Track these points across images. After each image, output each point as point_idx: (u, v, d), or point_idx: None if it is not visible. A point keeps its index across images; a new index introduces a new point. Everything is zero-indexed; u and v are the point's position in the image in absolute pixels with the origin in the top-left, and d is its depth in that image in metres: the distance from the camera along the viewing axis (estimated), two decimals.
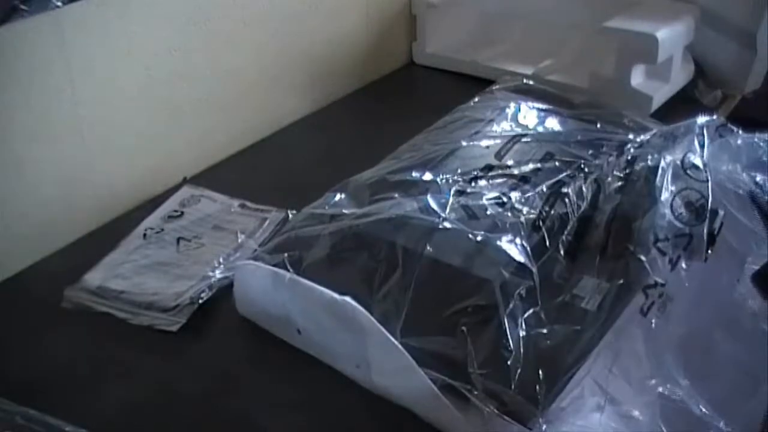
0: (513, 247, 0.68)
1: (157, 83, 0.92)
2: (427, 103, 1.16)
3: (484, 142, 0.86)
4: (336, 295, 0.64)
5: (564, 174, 0.78)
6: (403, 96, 1.24)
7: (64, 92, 0.82)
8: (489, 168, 0.80)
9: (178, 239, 0.85)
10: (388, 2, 1.25)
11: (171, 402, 0.67)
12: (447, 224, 0.70)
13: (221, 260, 0.81)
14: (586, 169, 0.78)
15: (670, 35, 1.05)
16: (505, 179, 0.78)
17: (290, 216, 0.88)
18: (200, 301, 0.75)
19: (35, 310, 0.77)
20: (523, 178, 0.78)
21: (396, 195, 0.76)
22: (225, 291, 0.77)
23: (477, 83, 1.15)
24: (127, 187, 0.91)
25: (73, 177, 0.85)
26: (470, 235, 0.69)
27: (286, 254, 0.70)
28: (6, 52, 0.76)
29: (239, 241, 0.84)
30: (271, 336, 0.73)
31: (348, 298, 0.64)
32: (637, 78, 1.09)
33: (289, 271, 0.69)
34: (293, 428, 0.64)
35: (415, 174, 0.79)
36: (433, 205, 0.72)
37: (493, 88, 1.03)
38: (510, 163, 0.81)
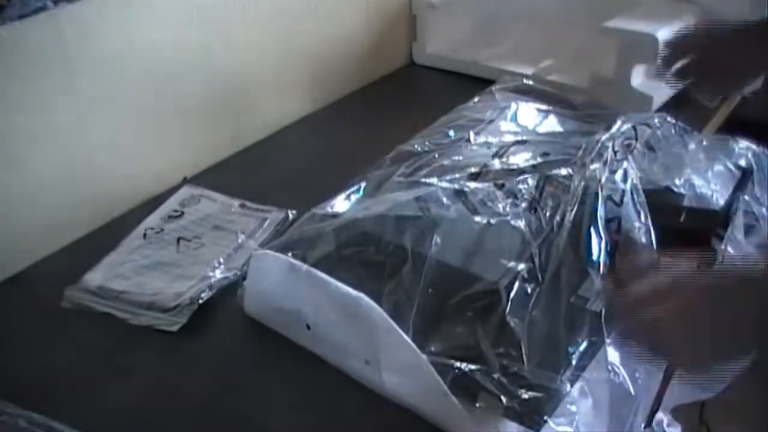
0: (513, 234, 0.69)
1: (157, 83, 0.92)
2: (427, 103, 1.16)
3: (483, 142, 0.86)
4: (351, 290, 0.65)
5: (564, 172, 0.78)
6: (403, 96, 1.24)
7: (64, 92, 0.82)
8: (486, 167, 0.81)
9: (178, 239, 0.85)
10: (388, 2, 1.25)
11: (171, 402, 0.67)
12: (448, 221, 0.70)
13: (221, 260, 0.81)
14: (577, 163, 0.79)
15: (670, 35, 1.05)
16: (502, 177, 0.79)
17: (290, 216, 0.88)
18: (200, 301, 0.75)
19: (35, 310, 0.77)
20: (521, 172, 0.79)
21: (396, 193, 0.76)
22: (225, 291, 0.77)
23: (477, 83, 1.15)
24: (127, 187, 0.91)
25: (73, 177, 0.85)
26: (472, 225, 0.70)
27: (290, 253, 0.70)
28: (6, 52, 0.76)
29: (239, 241, 0.84)
30: (271, 336, 0.73)
31: (362, 294, 0.64)
32: (638, 78, 1.09)
33: None
34: (294, 429, 0.64)
35: (414, 173, 0.79)
36: (433, 200, 0.73)
37: (493, 88, 1.03)
38: (508, 161, 0.82)
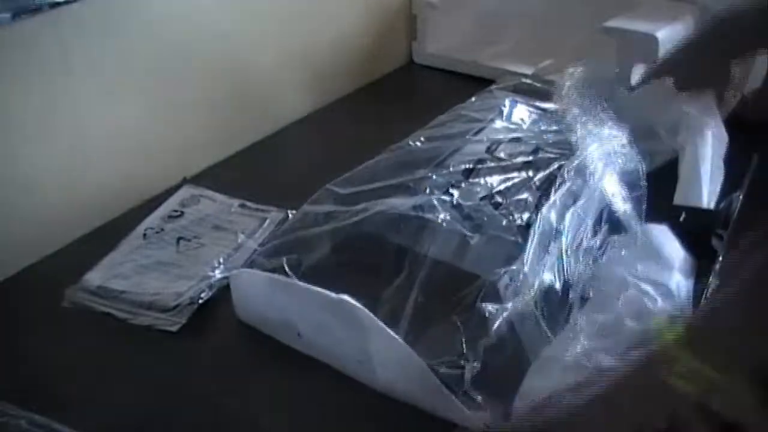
0: (508, 247, 0.69)
1: (157, 83, 0.92)
2: (427, 103, 1.16)
3: (478, 140, 0.87)
4: (333, 295, 0.65)
5: (554, 167, 0.79)
6: (404, 96, 1.24)
7: (64, 92, 0.82)
8: (480, 162, 0.81)
9: (178, 239, 0.85)
10: (387, 2, 1.25)
11: (171, 402, 0.67)
12: (442, 223, 0.71)
13: (221, 260, 0.81)
14: (574, 165, 0.79)
15: (670, 35, 1.05)
16: (497, 172, 0.79)
17: (290, 216, 0.88)
18: (200, 301, 0.75)
19: (35, 310, 0.77)
20: (516, 170, 0.79)
21: (390, 193, 0.76)
22: (225, 291, 0.77)
23: (478, 83, 1.15)
24: (127, 187, 0.91)
25: (73, 177, 0.85)
26: (465, 235, 0.70)
27: (284, 258, 0.70)
28: (6, 52, 0.76)
29: (239, 241, 0.84)
30: (270, 337, 0.73)
31: (345, 296, 0.64)
32: (638, 78, 1.09)
33: (287, 275, 0.69)
34: (294, 429, 0.64)
35: (407, 172, 0.79)
36: (427, 203, 0.73)
37: (492, 87, 1.03)
38: (501, 156, 0.82)
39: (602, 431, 0.51)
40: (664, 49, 1.03)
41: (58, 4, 0.77)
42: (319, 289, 0.66)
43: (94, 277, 0.79)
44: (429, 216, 0.71)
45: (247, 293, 0.73)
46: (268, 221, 0.88)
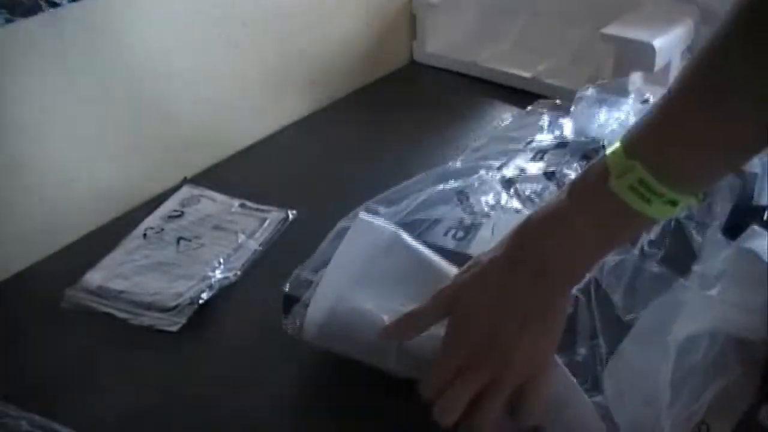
0: None
1: (157, 83, 0.92)
2: (428, 102, 1.17)
3: (522, 151, 0.84)
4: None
5: None
6: (404, 95, 1.23)
7: (63, 92, 0.82)
8: (523, 171, 0.79)
9: (178, 239, 0.85)
10: (388, 1, 1.25)
11: (171, 403, 0.67)
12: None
13: (221, 260, 0.81)
14: None
15: (668, 41, 1.05)
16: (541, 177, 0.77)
17: (290, 216, 0.88)
18: (200, 302, 0.76)
19: (35, 310, 0.77)
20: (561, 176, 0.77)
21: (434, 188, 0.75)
22: (225, 291, 0.78)
23: (479, 82, 1.15)
24: (127, 187, 0.91)
25: (73, 177, 0.85)
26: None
27: None
28: (6, 52, 0.76)
29: (239, 241, 0.84)
30: (271, 337, 0.73)
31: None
32: (636, 83, 1.09)
33: None
34: (294, 430, 0.65)
35: (453, 182, 0.77)
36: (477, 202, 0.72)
37: (528, 109, 1.01)
38: (545, 164, 0.80)
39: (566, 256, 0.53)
40: (661, 57, 1.03)
41: (58, 4, 0.78)
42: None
43: (94, 277, 0.79)
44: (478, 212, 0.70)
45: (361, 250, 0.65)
46: (268, 221, 0.88)
